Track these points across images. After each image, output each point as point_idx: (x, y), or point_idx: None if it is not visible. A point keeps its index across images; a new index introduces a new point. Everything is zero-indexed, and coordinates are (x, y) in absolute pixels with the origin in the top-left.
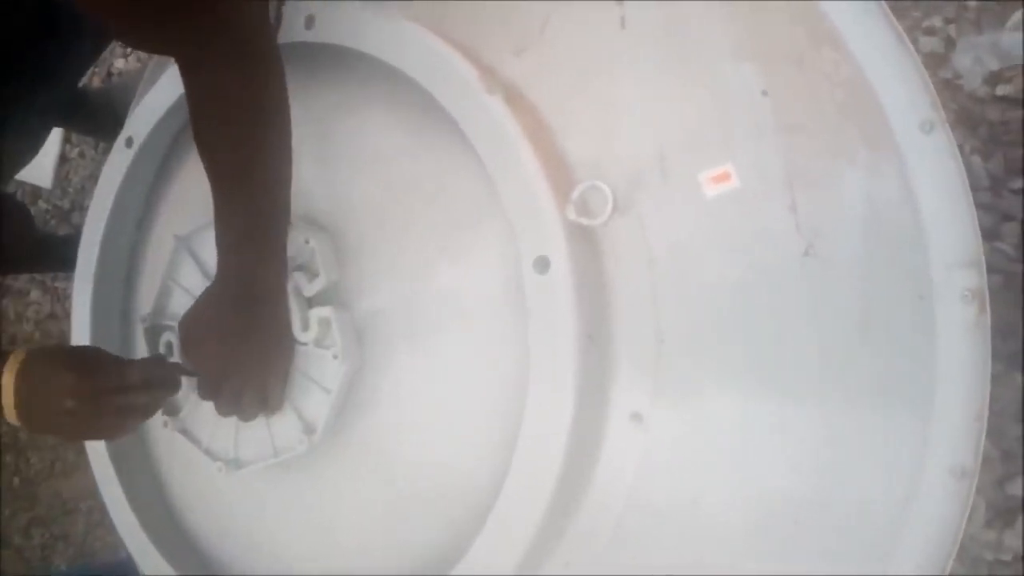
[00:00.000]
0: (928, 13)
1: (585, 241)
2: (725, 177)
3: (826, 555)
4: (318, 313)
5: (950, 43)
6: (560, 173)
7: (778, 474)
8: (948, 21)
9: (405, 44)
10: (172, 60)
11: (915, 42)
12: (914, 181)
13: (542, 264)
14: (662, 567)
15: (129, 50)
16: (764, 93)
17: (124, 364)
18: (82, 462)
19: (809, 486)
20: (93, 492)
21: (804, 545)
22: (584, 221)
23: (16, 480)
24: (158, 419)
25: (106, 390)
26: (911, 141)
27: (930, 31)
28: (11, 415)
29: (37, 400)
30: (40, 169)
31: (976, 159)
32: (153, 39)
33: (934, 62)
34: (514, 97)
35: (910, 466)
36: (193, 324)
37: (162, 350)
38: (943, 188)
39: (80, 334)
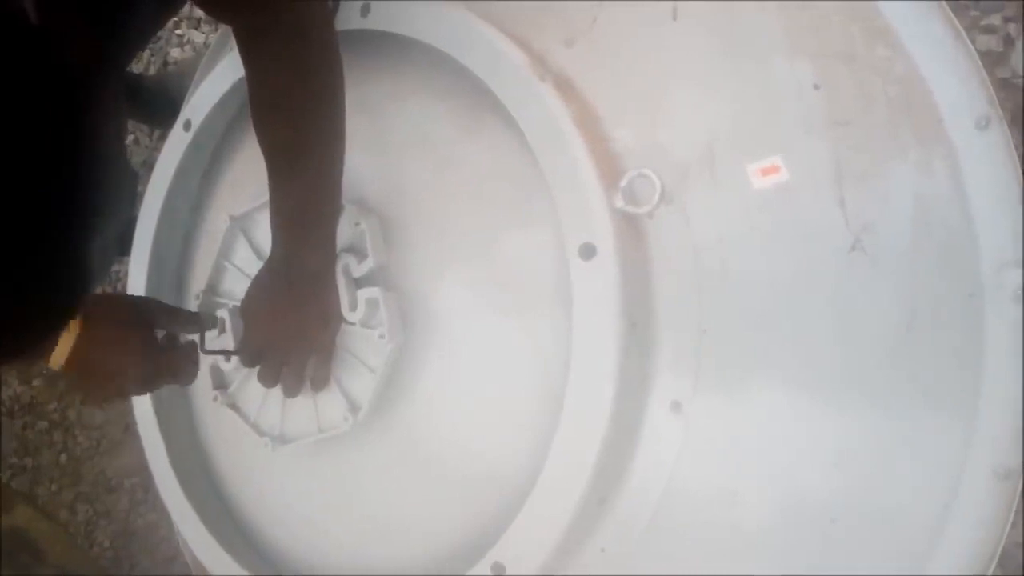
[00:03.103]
0: (987, 11)
1: (631, 229)
2: (774, 170)
3: (864, 554)
4: (366, 293)
5: (1009, 41)
6: (608, 161)
7: (817, 471)
8: (1007, 20)
9: (458, 32)
10: (228, 47)
11: (973, 40)
12: (967, 177)
13: (588, 251)
14: (698, 558)
15: (185, 40)
16: (816, 87)
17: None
18: (126, 441)
19: (848, 484)
20: (136, 471)
21: (842, 544)
22: (631, 209)
23: (63, 457)
24: (207, 394)
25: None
26: (965, 137)
27: (989, 29)
28: (61, 354)
29: (110, 339)
30: None
31: None
32: (226, 9)
33: (992, 61)
34: (564, 85)
35: (952, 466)
36: (249, 301)
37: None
38: (997, 185)
39: None
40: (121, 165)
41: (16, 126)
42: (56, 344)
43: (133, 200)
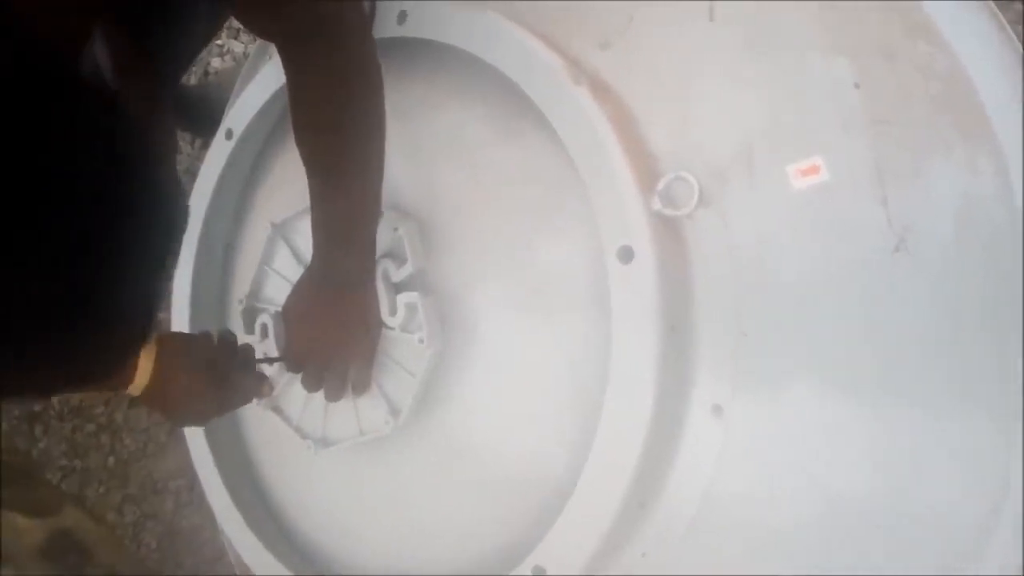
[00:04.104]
0: None
1: (669, 232)
2: (814, 170)
3: (908, 557)
4: (405, 298)
5: None
6: (645, 164)
7: (859, 473)
8: None
9: (494, 37)
10: (267, 56)
11: (1017, 34)
12: (1013, 174)
13: (626, 254)
14: (740, 561)
15: (225, 50)
16: (856, 86)
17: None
18: (172, 444)
19: (892, 486)
20: (182, 473)
21: (886, 546)
22: (669, 212)
23: (111, 459)
24: None
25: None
26: (1011, 133)
27: None
28: (141, 382)
29: (183, 378)
30: None
31: None
32: (266, 22)
33: None
34: (600, 88)
35: (1000, 467)
36: (290, 308)
37: (257, 331)
38: None
39: (180, 316)
40: (178, 194)
41: (96, 180)
42: (134, 373)
43: (186, 220)
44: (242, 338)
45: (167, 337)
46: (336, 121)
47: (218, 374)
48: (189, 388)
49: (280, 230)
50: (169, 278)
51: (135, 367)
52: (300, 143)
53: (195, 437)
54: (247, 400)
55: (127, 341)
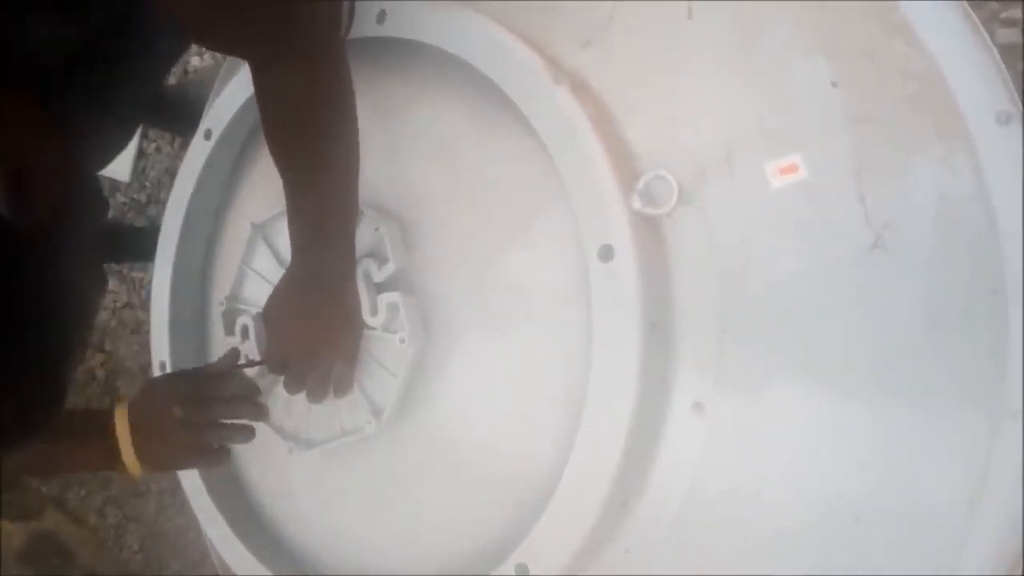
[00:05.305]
0: (1007, 4)
1: (649, 231)
2: (792, 168)
3: (891, 555)
4: (387, 298)
5: None
6: (625, 163)
7: (841, 470)
8: None
9: (473, 36)
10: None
11: (993, 34)
12: (988, 173)
13: (606, 253)
14: (722, 558)
15: (204, 48)
16: (834, 84)
17: (213, 372)
18: None
19: (873, 483)
20: (164, 476)
21: (867, 544)
22: (649, 211)
23: None
24: None
25: (208, 396)
26: (986, 133)
27: (1009, 22)
28: (132, 461)
29: (151, 430)
30: (119, 163)
31: None
32: (226, 41)
33: (1013, 54)
34: (580, 87)
35: (979, 465)
36: (271, 309)
37: (238, 333)
38: (1019, 180)
39: (159, 318)
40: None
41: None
42: (124, 457)
43: (100, 302)
44: (223, 340)
45: (130, 401)
46: (307, 124)
47: (193, 401)
48: (160, 429)
49: (260, 230)
50: (69, 378)
51: (118, 451)
52: (274, 154)
53: None
54: (235, 435)
55: (28, 424)
